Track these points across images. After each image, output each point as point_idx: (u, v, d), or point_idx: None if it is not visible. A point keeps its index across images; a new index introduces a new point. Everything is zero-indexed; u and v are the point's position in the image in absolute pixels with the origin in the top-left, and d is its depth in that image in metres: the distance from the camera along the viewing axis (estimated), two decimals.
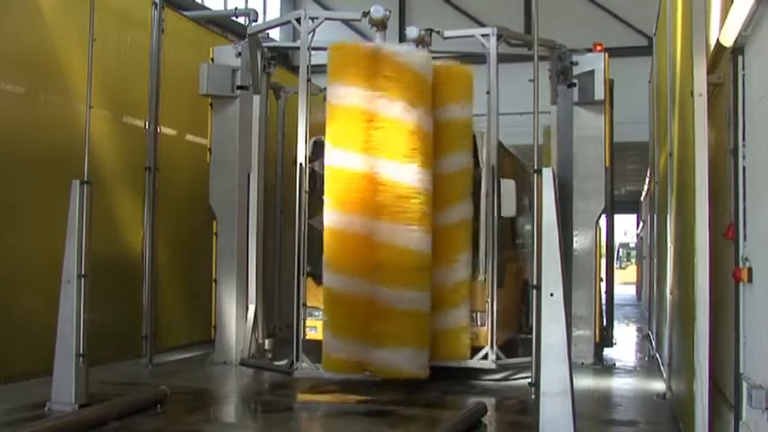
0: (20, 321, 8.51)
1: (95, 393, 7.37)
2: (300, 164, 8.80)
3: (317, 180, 8.97)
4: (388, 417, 7.47)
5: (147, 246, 10.26)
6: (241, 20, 15.90)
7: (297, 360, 8.60)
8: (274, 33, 19.78)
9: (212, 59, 10.68)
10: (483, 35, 9.55)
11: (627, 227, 40.79)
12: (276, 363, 9.70)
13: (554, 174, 6.07)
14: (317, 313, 8.84)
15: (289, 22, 9.74)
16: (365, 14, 8.94)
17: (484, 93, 9.44)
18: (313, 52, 9.23)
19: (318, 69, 9.24)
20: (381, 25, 8.97)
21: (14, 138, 8.80)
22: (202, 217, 10.80)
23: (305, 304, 8.75)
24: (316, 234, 8.71)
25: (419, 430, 7.00)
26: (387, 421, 7.30)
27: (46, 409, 7.06)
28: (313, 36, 9.17)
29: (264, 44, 10.71)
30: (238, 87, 10.47)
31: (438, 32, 9.49)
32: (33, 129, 9.07)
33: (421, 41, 9.24)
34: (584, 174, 10.50)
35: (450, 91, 9.03)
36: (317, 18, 9.18)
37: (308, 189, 8.85)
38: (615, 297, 12.58)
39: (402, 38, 9.95)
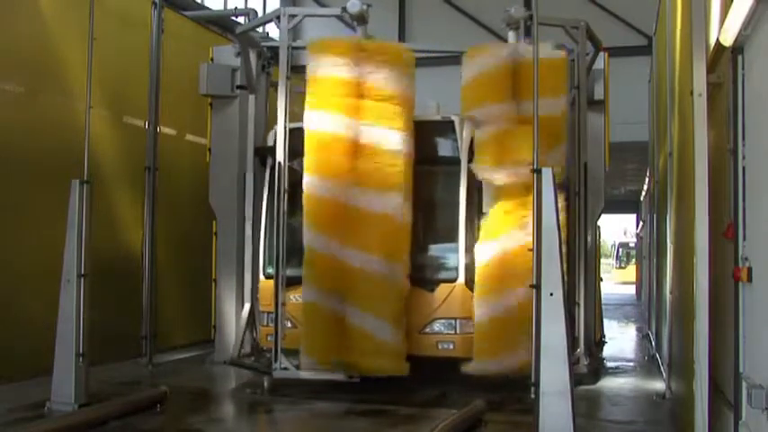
0: (20, 321, 8.51)
1: (95, 393, 7.37)
2: (279, 163, 8.69)
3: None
4: (387, 416, 7.48)
5: (147, 245, 10.26)
6: (241, 20, 15.90)
7: (275, 360, 8.49)
8: (275, 33, 19.74)
9: (212, 59, 10.69)
10: (572, 27, 9.46)
11: (627, 227, 40.89)
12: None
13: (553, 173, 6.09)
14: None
15: (271, 20, 9.78)
16: (344, 10, 8.94)
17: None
18: None
19: None
20: (361, 20, 8.97)
21: (14, 138, 8.81)
22: (202, 217, 10.80)
23: (284, 304, 8.59)
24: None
25: (419, 429, 6.99)
26: (386, 421, 7.31)
27: (46, 409, 7.06)
28: (293, 34, 9.15)
29: (263, 44, 10.71)
30: (238, 87, 10.47)
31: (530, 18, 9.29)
32: (33, 129, 9.07)
33: (515, 23, 9.18)
34: None
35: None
36: (295, 15, 9.18)
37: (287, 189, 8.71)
38: (615, 297, 12.57)
39: (402, 38, 9.93)
